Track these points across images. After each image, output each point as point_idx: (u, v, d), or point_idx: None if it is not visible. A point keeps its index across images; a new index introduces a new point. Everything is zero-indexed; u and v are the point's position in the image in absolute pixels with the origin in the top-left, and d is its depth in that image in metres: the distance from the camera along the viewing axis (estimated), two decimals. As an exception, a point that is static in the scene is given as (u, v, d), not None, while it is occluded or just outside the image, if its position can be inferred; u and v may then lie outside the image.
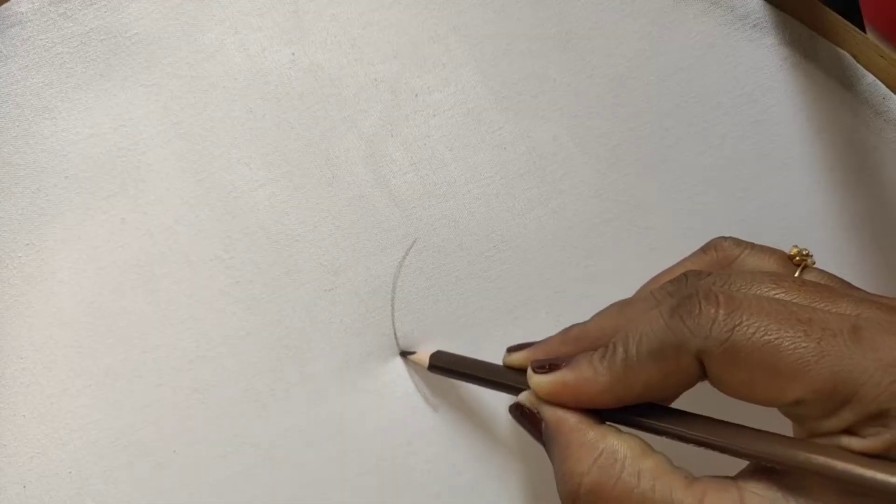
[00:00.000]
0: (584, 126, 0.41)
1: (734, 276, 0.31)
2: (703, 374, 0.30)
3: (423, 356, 0.38)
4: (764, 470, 0.29)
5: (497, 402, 0.40)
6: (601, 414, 0.32)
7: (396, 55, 0.39)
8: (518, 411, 0.34)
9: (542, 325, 0.40)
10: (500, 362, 0.36)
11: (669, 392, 0.31)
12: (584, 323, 0.35)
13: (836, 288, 0.31)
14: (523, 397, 0.34)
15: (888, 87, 0.41)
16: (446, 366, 0.38)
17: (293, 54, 0.39)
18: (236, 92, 0.38)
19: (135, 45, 0.38)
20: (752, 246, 0.35)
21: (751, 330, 0.28)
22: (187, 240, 0.38)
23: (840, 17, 0.40)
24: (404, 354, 0.40)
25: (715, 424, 0.30)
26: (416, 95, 0.40)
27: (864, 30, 0.41)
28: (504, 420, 0.40)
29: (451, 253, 0.40)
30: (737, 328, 0.28)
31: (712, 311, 0.29)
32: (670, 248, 0.41)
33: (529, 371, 0.34)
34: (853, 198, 0.42)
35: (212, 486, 0.38)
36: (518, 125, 0.40)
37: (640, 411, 0.32)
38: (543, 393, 0.33)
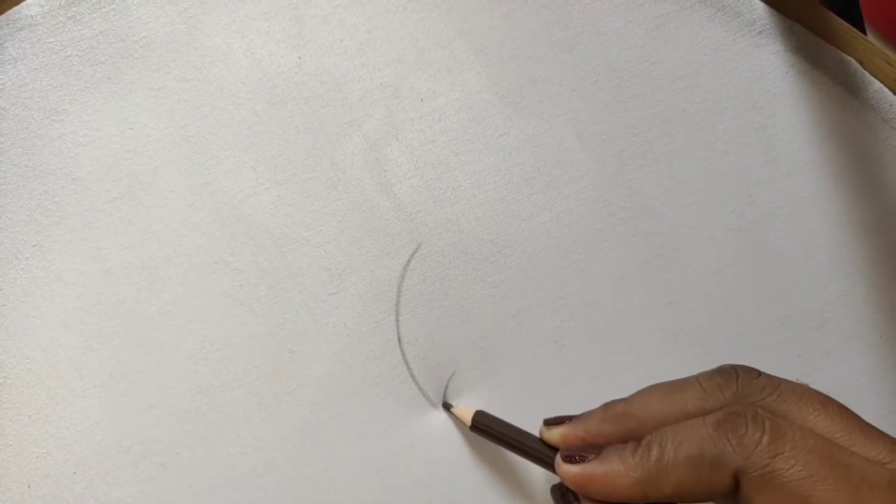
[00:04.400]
0: (589, 131, 0.40)
1: (784, 393, 0.32)
2: (736, 490, 0.30)
3: (466, 413, 0.38)
4: None
5: (502, 408, 0.40)
6: None
7: (402, 60, 0.39)
8: (559, 492, 0.35)
9: (545, 331, 0.40)
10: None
11: (698, 497, 0.32)
12: (628, 401, 0.34)
13: (869, 426, 0.32)
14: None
15: (895, 93, 0.41)
16: (487, 428, 0.38)
17: (300, 58, 0.39)
18: (242, 96, 0.38)
19: (143, 48, 0.38)
20: (781, 391, 0.33)
21: (791, 462, 0.29)
22: (192, 242, 0.38)
23: (846, 24, 0.40)
24: (447, 407, 0.40)
25: None
26: (422, 100, 0.40)
27: (864, 30, 0.41)
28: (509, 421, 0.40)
29: (455, 258, 0.40)
30: (778, 457, 0.29)
31: (757, 435, 0.30)
32: (675, 253, 0.41)
33: (558, 458, 0.34)
34: (859, 204, 0.42)
35: (215, 487, 0.38)
36: (523, 130, 0.40)
37: None
38: (571, 483, 0.33)
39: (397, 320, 0.40)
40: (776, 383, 0.32)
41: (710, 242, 0.40)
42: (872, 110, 0.41)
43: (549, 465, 0.35)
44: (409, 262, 0.40)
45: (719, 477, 0.30)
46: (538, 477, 0.40)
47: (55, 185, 0.38)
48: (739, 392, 0.32)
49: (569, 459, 0.33)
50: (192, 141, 0.38)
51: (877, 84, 0.41)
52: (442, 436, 0.40)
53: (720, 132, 0.41)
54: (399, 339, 0.40)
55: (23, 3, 0.37)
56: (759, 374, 0.33)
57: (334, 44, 0.39)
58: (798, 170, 0.41)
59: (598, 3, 0.40)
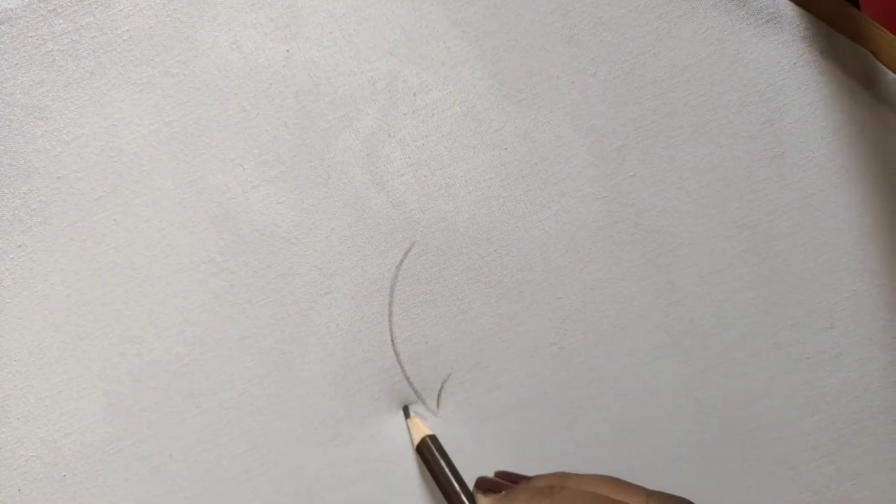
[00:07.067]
0: (588, 125, 0.39)
1: None
2: None
3: (418, 430, 0.39)
4: None
5: (499, 413, 0.39)
6: None
7: (393, 52, 0.38)
8: None
9: (543, 332, 0.40)
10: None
11: None
12: (567, 476, 0.35)
13: None
14: None
15: (909, 85, 0.40)
16: (427, 455, 0.38)
17: (288, 52, 0.38)
18: (230, 90, 0.38)
19: (126, 42, 0.37)
20: None
21: None
22: (181, 242, 0.38)
23: (859, 12, 0.39)
24: (406, 411, 0.40)
25: None
26: (414, 94, 0.39)
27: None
28: (505, 424, 0.39)
29: (450, 257, 0.39)
30: None
31: None
32: (677, 252, 0.40)
33: None
34: (870, 201, 0.41)
35: (207, 491, 0.38)
36: (520, 125, 0.39)
37: None
38: None
39: (390, 321, 0.39)
40: None
41: (715, 240, 0.39)
42: (885, 102, 0.40)
43: None
44: (402, 261, 0.39)
45: None
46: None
47: (39, 183, 0.37)
48: None
49: None
50: (178, 137, 0.38)
51: (890, 75, 0.40)
52: (441, 438, 0.39)
53: (725, 126, 0.40)
54: (392, 340, 0.39)
55: (2, -3, 0.37)
56: None
57: (323, 36, 0.38)
58: (806, 164, 0.40)
59: (598, -8, 0.39)
